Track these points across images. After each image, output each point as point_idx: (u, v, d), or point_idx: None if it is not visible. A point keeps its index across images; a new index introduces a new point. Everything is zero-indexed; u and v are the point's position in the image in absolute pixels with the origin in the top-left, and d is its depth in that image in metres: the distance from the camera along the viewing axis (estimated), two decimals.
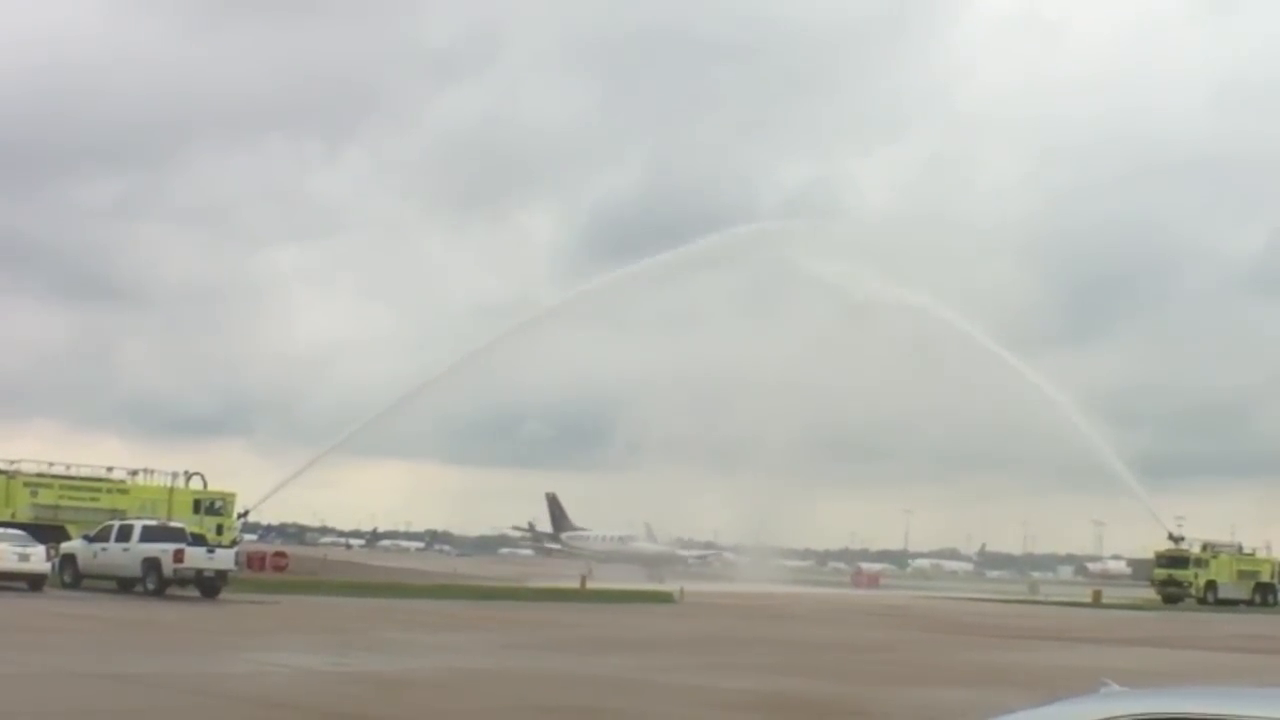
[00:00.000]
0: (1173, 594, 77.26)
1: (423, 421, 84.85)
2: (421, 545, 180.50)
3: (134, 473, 60.47)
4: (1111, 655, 33.35)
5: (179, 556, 41.12)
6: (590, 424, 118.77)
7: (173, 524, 46.80)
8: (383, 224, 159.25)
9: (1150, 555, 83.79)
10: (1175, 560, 78.87)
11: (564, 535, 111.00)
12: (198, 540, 45.21)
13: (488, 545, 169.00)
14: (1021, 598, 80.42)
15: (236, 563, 44.58)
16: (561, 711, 18.42)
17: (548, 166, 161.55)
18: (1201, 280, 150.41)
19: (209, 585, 41.47)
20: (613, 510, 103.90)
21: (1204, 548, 79.26)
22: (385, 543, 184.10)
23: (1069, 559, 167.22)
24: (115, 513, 52.28)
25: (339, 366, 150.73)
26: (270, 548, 74.48)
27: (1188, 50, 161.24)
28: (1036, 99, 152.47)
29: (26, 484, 56.42)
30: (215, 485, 61.40)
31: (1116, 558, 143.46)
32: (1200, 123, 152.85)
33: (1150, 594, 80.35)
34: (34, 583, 39.86)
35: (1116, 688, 5.94)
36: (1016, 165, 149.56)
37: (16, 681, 18.90)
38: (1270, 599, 78.21)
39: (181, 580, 41.36)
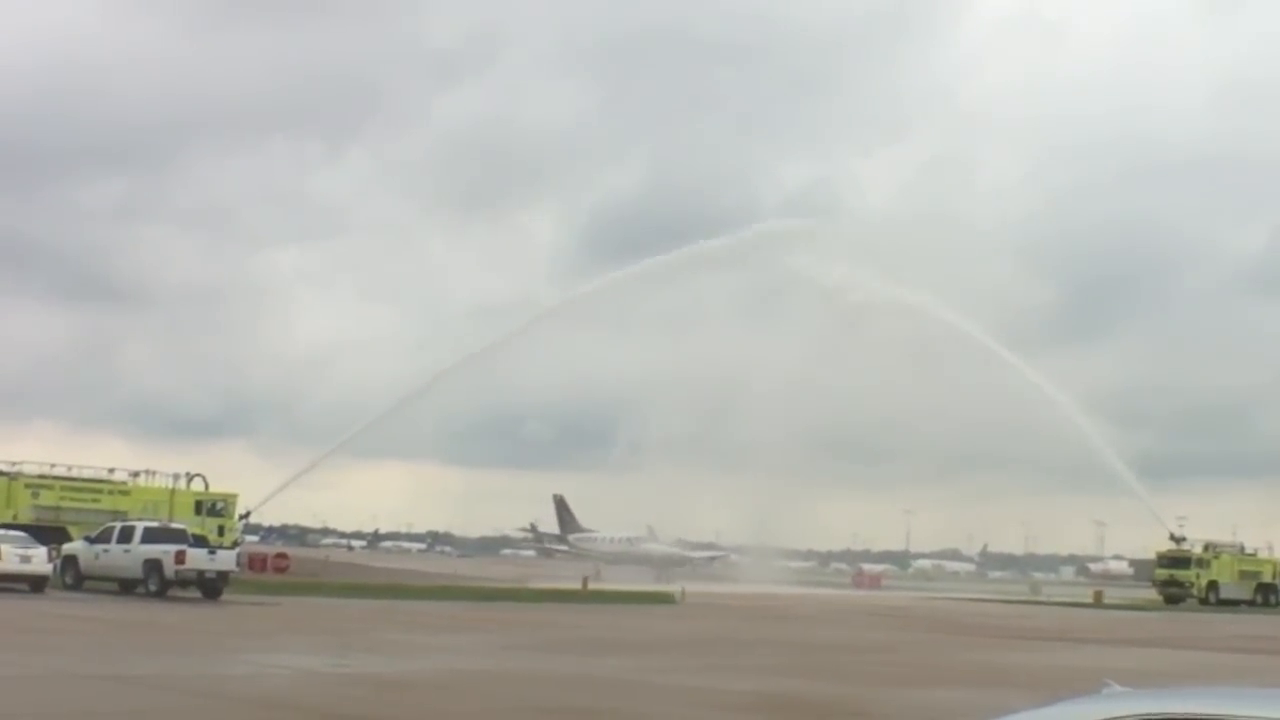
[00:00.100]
0: (1174, 594, 77.24)
1: (424, 423, 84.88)
2: (423, 546, 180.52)
3: (135, 474, 60.45)
4: (1113, 656, 33.34)
5: (181, 558, 41.12)
6: (591, 425, 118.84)
7: (174, 525, 46.80)
8: (384, 225, 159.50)
9: (1152, 556, 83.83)
10: (1177, 561, 78.84)
11: (572, 537, 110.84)
12: (199, 542, 45.21)
13: (489, 546, 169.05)
14: (1023, 598, 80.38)
15: (238, 564, 44.56)
16: (562, 713, 18.41)
17: (549, 167, 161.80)
18: (1202, 280, 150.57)
19: (210, 587, 41.47)
20: (614, 511, 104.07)
21: (1206, 548, 79.23)
22: (387, 544, 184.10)
23: (1070, 559, 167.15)
24: (117, 514, 52.27)
25: (340, 367, 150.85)
26: (272, 549, 74.46)
27: (1188, 50, 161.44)
28: (1037, 99, 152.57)
29: (28, 485, 56.41)
30: (217, 487, 61.40)
31: (1118, 558, 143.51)
32: (1201, 122, 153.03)
33: (1152, 594, 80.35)
34: (35, 584, 39.87)
35: (1119, 688, 5.93)
36: (1017, 165, 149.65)
37: (19, 683, 18.90)
38: (1272, 599, 78.17)
39: (183, 582, 41.37)
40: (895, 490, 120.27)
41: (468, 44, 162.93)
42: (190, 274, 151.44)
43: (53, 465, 58.98)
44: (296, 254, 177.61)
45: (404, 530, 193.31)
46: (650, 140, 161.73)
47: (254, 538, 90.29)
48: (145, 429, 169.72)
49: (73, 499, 56.81)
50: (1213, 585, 77.22)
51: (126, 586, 42.43)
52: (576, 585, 61.33)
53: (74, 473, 58.93)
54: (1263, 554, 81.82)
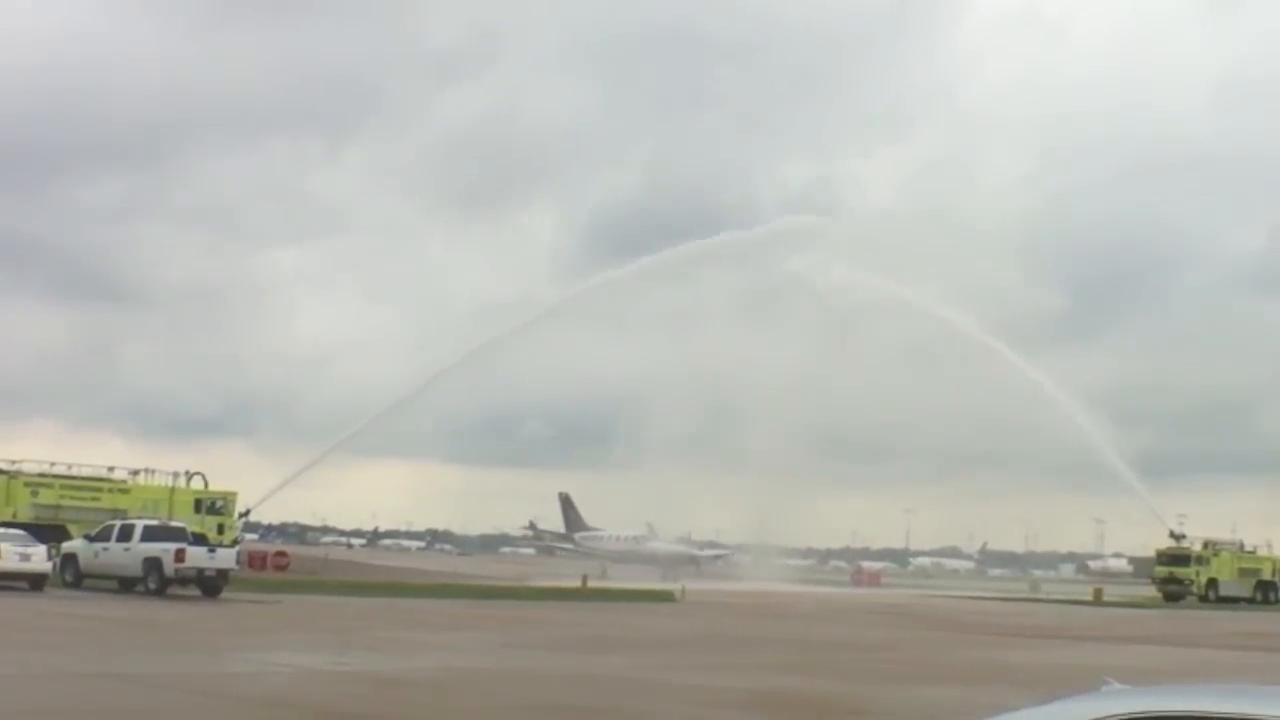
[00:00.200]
0: (1174, 592, 77.28)
1: (424, 421, 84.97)
2: (422, 544, 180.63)
3: (135, 472, 60.49)
4: (1113, 653, 33.34)
5: (180, 556, 41.13)
6: (592, 423, 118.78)
7: (174, 524, 46.80)
8: (384, 224, 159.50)
9: (1151, 553, 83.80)
10: (1176, 558, 78.87)
11: (578, 535, 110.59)
12: (199, 540, 45.24)
13: (488, 544, 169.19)
14: (1023, 596, 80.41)
15: (238, 562, 44.59)
16: (562, 710, 18.41)
17: (549, 166, 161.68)
18: (1203, 278, 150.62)
19: (210, 585, 41.48)
20: (614, 510, 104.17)
21: (1205, 545, 79.27)
22: (386, 542, 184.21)
23: (1070, 557, 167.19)
24: (116, 512, 52.30)
25: (340, 366, 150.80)
26: (271, 547, 74.53)
27: (1189, 48, 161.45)
28: (1038, 97, 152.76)
29: (28, 484, 56.43)
30: (216, 485, 61.44)
31: (1118, 556, 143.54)
32: (1201, 121, 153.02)
33: (1152, 592, 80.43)
34: (35, 582, 39.88)
35: (1118, 686, 5.94)
36: (1018, 164, 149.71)
37: (18, 681, 18.91)
38: (1271, 597, 78.20)
39: (183, 580, 41.38)
40: (895, 488, 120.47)
41: (468, 43, 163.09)
42: (190, 273, 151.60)
43: (52, 464, 59.06)
44: (296, 253, 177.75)
45: (403, 528, 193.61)
46: (651, 139, 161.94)
47: (253, 536, 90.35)
48: (145, 428, 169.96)
49: (72, 497, 56.84)
50: (1212, 583, 77.26)
51: (126, 585, 42.45)
52: (576, 583, 61.36)
53: (73, 471, 58.97)
54: (1262, 551, 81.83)
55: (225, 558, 42.79)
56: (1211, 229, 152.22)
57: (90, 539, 44.31)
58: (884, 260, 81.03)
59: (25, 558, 39.92)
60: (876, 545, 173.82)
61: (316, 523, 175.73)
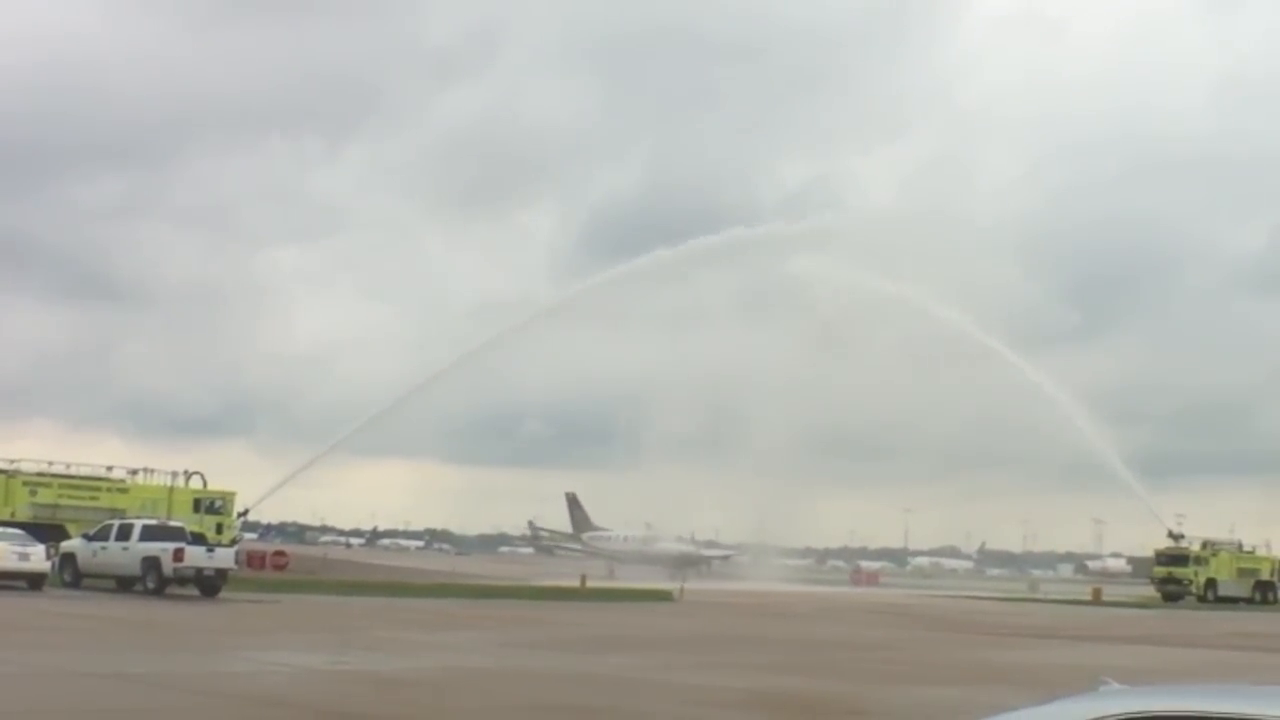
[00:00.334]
0: (1173, 592, 77.31)
1: (422, 421, 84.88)
2: (421, 544, 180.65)
3: (134, 472, 60.47)
4: (1111, 653, 33.36)
5: (179, 555, 41.12)
6: (591, 423, 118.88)
7: (172, 523, 46.79)
8: (383, 223, 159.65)
9: (1150, 553, 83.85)
10: (1175, 558, 78.89)
11: (584, 535, 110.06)
12: (197, 539, 45.22)
13: (487, 544, 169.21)
14: (1021, 596, 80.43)
15: (236, 562, 44.57)
16: (560, 710, 18.42)
17: (549, 165, 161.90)
18: (1202, 278, 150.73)
19: (209, 584, 41.47)
20: (613, 509, 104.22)
21: (1204, 546, 79.29)
22: (385, 542, 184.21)
23: (1069, 557, 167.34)
24: (115, 512, 52.28)
25: (339, 366, 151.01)
26: (270, 546, 74.50)
27: (1188, 48, 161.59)
28: (1037, 97, 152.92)
29: (26, 483, 56.40)
30: (215, 484, 61.42)
31: (1116, 556, 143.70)
32: (1200, 121, 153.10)
33: (1150, 592, 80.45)
34: (34, 582, 39.88)
35: (1116, 686, 5.95)
36: (1017, 163, 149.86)
37: (17, 681, 18.91)
38: (1270, 597, 78.26)
39: (181, 579, 41.37)
40: (894, 488, 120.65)
41: (467, 42, 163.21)
42: (189, 272, 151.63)
43: (51, 463, 59.05)
44: (296, 252, 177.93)
45: (402, 528, 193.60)
46: (650, 139, 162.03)
47: (252, 535, 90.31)
48: (144, 427, 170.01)
49: (71, 497, 56.82)
50: (1211, 583, 77.29)
51: (124, 584, 42.44)
52: (575, 583, 61.38)
53: (72, 470, 58.94)
54: (1261, 552, 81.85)
55: (224, 557, 42.78)
56: (1211, 229, 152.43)
57: (89, 538, 44.30)
58: (883, 259, 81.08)
59: (24, 557, 39.92)
60: (875, 545, 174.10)
61: (315, 522, 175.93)
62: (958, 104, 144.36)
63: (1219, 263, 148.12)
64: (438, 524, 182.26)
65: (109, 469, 60.27)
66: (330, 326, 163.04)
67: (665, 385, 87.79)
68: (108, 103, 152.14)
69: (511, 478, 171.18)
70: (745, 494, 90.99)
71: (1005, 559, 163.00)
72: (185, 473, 60.75)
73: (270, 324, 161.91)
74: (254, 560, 58.58)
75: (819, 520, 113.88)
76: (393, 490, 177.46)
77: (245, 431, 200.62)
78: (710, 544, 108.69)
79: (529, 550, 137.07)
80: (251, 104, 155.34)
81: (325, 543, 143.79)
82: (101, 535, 43.75)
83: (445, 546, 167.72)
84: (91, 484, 58.46)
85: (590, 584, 62.20)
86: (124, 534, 43.02)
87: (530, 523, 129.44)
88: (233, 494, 62.08)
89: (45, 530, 48.36)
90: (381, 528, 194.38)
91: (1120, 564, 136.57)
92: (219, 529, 57.47)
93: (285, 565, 61.62)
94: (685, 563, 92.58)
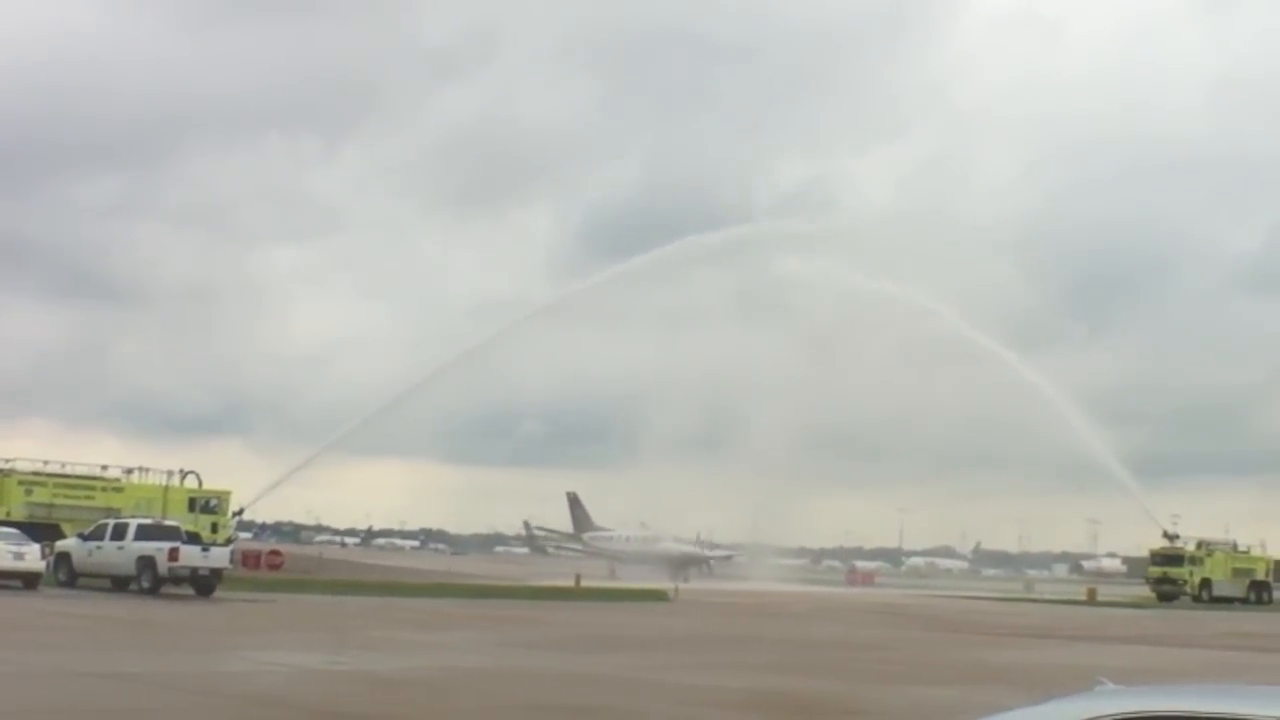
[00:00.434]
0: (1168, 592, 77.36)
1: (418, 420, 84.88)
2: (416, 544, 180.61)
3: (129, 471, 60.39)
4: (1106, 653, 33.39)
5: (174, 555, 41.11)
6: (587, 423, 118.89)
7: (167, 522, 46.77)
8: (380, 223, 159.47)
9: (1145, 553, 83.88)
10: (1170, 558, 78.93)
11: (586, 535, 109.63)
12: (193, 539, 45.23)
13: (483, 544, 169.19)
14: (1017, 596, 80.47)
15: (231, 561, 44.56)
16: (557, 710, 18.43)
17: (546, 165, 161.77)
18: (1199, 278, 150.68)
19: (204, 584, 41.47)
20: (609, 509, 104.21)
21: (1199, 546, 79.32)
22: (380, 541, 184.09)
23: (1064, 557, 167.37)
24: (110, 511, 52.23)
25: (336, 365, 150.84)
26: (265, 546, 74.43)
27: (1186, 48, 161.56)
28: (1035, 97, 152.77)
29: (21, 482, 56.34)
30: (211, 484, 61.40)
31: (1111, 556, 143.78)
32: (1198, 121, 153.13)
33: (1145, 592, 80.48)
34: (29, 581, 39.84)
35: (1111, 686, 5.96)
36: (1014, 163, 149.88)
37: (13, 681, 18.90)
38: (1265, 597, 78.29)
39: (176, 579, 41.36)
40: (889, 487, 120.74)
41: (465, 42, 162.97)
42: (186, 271, 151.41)
43: (46, 462, 58.96)
44: (293, 252, 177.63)
45: (398, 528, 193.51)
46: (647, 138, 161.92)
47: (247, 535, 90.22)
48: (140, 426, 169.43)
49: (66, 496, 56.76)
50: (1206, 583, 77.34)
51: (119, 584, 42.40)
52: (570, 583, 61.40)
53: (67, 470, 58.87)
54: (1256, 552, 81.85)
55: (219, 557, 42.78)
56: (1208, 229, 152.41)
57: (84, 538, 44.27)
58: (880, 259, 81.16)
59: (19, 556, 39.90)
60: (870, 545, 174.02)
61: (310, 522, 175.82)
62: (955, 104, 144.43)
63: (1216, 263, 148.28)
64: (433, 524, 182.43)
65: (104, 468, 60.22)
66: (327, 326, 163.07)
67: (662, 385, 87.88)
68: (105, 102, 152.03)
69: (507, 477, 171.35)
70: (741, 493, 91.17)
71: (1000, 559, 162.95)
72: (180, 472, 60.75)
73: (267, 323, 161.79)
74: (249, 560, 58.55)
75: (814, 520, 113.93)
76: (388, 490, 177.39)
77: (241, 431, 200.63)
78: (709, 544, 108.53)
79: (524, 550, 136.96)
80: (249, 103, 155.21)
81: (320, 542, 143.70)
82: (97, 534, 43.72)
83: (440, 546, 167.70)
84: (87, 483, 58.41)
85: (587, 584, 62.20)
86: (119, 533, 43.00)
87: (526, 522, 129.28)
88: (228, 493, 62.05)
89: (40, 529, 48.31)
90: (377, 527, 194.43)
91: (1115, 564, 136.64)
92: (214, 528, 57.44)
93: (280, 565, 61.56)
94: (687, 563, 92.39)
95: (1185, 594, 76.72)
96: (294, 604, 39.72)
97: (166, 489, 59.39)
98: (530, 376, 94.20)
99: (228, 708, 17.20)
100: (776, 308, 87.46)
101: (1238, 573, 78.88)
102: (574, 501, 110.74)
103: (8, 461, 57.84)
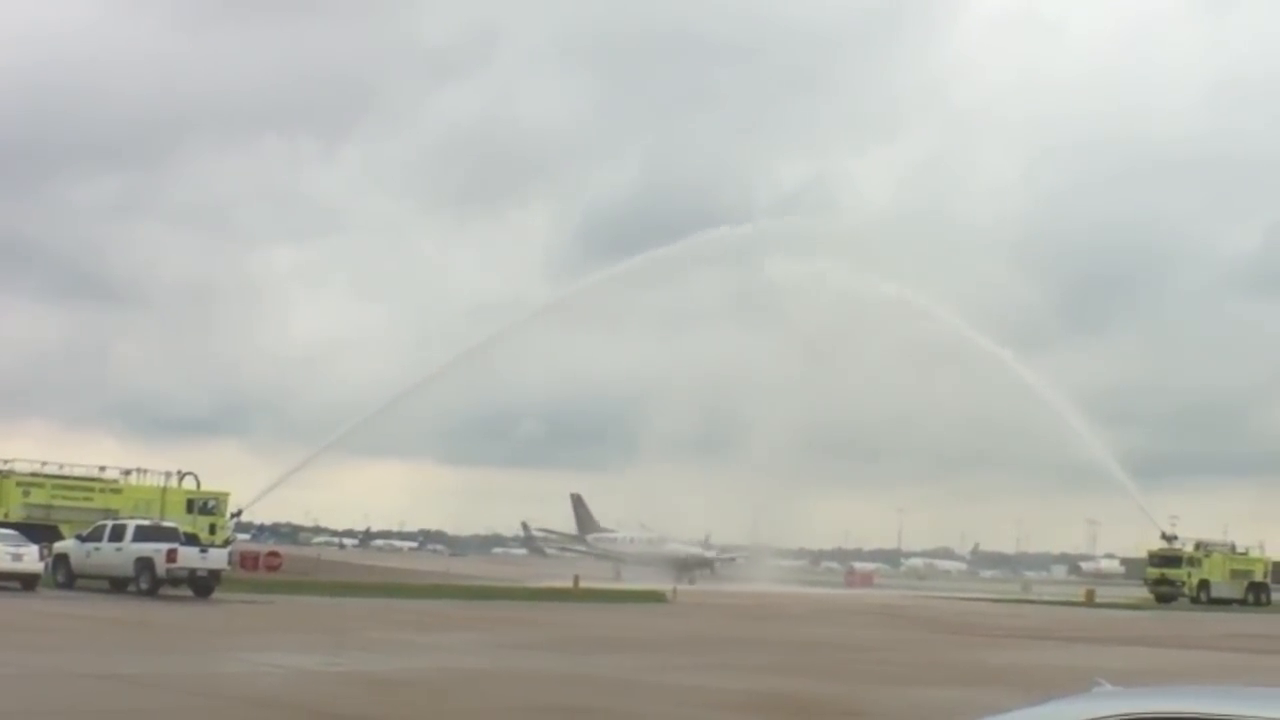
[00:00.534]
0: (1166, 593, 77.35)
1: (416, 421, 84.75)
2: (415, 545, 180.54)
3: (127, 472, 60.38)
4: (1104, 654, 33.40)
5: (172, 556, 41.10)
6: (586, 424, 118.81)
7: (166, 524, 46.76)
8: (379, 223, 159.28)
9: (1143, 554, 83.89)
10: (1168, 559, 78.94)
11: (590, 537, 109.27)
12: (191, 540, 45.17)
13: (481, 545, 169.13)
14: (1015, 597, 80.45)
15: (230, 562, 44.56)
16: (555, 711, 18.43)
17: (545, 165, 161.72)
18: (1197, 279, 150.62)
19: (202, 585, 41.46)
20: (607, 510, 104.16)
21: (1197, 547, 79.33)
22: (378, 543, 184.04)
23: (1062, 558, 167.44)
24: (108, 512, 52.22)
25: (335, 366, 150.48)
26: (264, 547, 74.43)
27: (1184, 49, 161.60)
28: (1033, 98, 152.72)
29: (19, 484, 56.32)
30: (209, 485, 61.38)
31: (1110, 557, 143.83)
32: (1197, 121, 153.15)
33: (1144, 593, 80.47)
34: (27, 582, 39.82)
35: (1109, 687, 5.96)
36: (1013, 164, 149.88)
37: (12, 682, 18.91)
38: (1263, 598, 78.34)
39: (175, 580, 41.34)
40: (887, 488, 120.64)
41: (464, 42, 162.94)
42: (184, 272, 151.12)
43: (44, 463, 58.92)
44: (291, 252, 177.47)
45: (396, 529, 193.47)
46: (646, 138, 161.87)
47: (246, 536, 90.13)
48: (138, 427, 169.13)
49: (64, 497, 56.74)
50: (1204, 584, 77.34)
51: (118, 585, 42.39)
52: (568, 584, 61.39)
53: (65, 471, 58.84)
54: (1254, 553, 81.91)
55: (217, 558, 42.77)
56: (1206, 230, 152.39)
57: (82, 539, 44.26)
58: (878, 260, 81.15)
59: (17, 558, 39.88)
60: (868, 546, 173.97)
61: (309, 523, 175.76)
62: (954, 104, 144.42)
63: (1214, 263, 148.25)
64: (432, 525, 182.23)
65: (102, 469, 60.21)
66: (326, 326, 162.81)
67: (660, 386, 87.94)
68: (104, 102, 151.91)
69: (506, 478, 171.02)
70: (740, 494, 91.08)
71: (999, 560, 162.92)
72: (179, 473, 60.71)
73: (266, 324, 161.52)
74: (247, 561, 58.55)
75: (813, 521, 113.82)
76: (387, 491, 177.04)
77: (240, 432, 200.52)
78: (710, 546, 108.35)
79: (522, 551, 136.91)
80: (247, 103, 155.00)
81: (319, 544, 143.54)
82: (95, 536, 43.72)
83: (439, 547, 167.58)
84: (85, 484, 58.39)
85: (585, 585, 62.17)
86: (117, 535, 43.00)
87: (524, 524, 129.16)
88: (226, 494, 62.05)
89: (39, 531, 48.28)
90: (375, 529, 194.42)
91: (1114, 565, 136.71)
92: (212, 529, 57.42)
93: (279, 566, 61.58)
94: (692, 565, 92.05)
95: (1183, 595, 76.71)
96: (292, 605, 39.71)
97: (165, 490, 59.37)
98: (529, 377, 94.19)
99: (226, 709, 17.21)
100: (775, 308, 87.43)
101: (1236, 574, 78.88)
102: (578, 503, 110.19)
103: (6, 462, 57.83)
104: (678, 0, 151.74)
